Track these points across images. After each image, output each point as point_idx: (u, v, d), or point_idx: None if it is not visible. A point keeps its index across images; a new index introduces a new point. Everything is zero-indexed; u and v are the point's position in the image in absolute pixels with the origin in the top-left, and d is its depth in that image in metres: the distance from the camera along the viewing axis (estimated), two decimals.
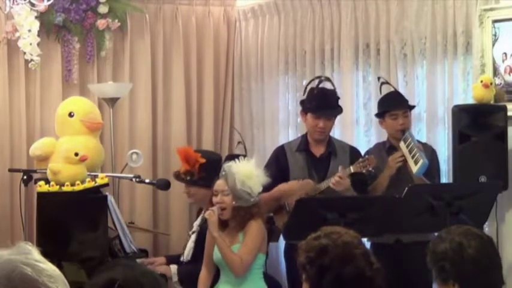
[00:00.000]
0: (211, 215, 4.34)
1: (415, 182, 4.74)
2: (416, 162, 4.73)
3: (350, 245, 2.59)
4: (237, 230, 4.41)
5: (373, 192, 5.00)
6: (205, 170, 5.04)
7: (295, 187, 4.93)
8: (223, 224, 4.43)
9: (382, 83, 5.23)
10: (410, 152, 4.82)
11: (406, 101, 5.10)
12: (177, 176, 5.20)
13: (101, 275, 2.09)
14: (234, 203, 4.36)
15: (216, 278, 4.56)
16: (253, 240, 4.38)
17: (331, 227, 2.74)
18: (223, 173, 4.37)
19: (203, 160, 5.06)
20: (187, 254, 5.00)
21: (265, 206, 4.89)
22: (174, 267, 4.97)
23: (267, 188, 4.62)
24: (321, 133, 5.09)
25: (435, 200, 4.32)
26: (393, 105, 5.03)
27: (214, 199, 4.43)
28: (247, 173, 4.35)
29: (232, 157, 5.98)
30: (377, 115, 5.18)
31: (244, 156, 5.96)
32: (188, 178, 5.10)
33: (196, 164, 5.05)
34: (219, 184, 4.42)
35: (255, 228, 4.40)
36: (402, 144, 4.92)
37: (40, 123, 6.21)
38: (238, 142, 6.45)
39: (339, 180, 4.82)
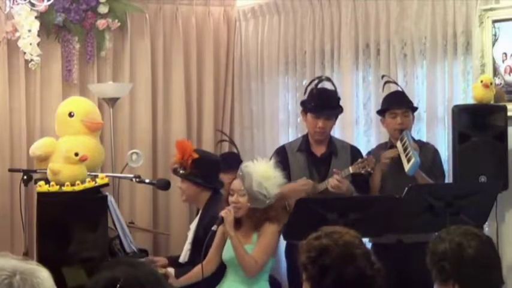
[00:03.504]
0: (228, 214, 4.34)
1: (418, 181, 4.73)
2: (408, 161, 4.74)
3: (351, 245, 2.59)
4: (251, 231, 4.42)
5: (370, 188, 5.01)
6: (197, 167, 5.03)
7: (296, 188, 4.92)
8: (236, 223, 4.43)
9: (386, 82, 5.22)
10: (404, 150, 4.82)
11: (409, 101, 5.09)
12: (174, 170, 5.21)
13: (103, 273, 2.09)
14: (249, 204, 4.36)
15: (219, 277, 4.56)
16: (268, 243, 4.40)
17: (332, 227, 2.74)
18: (240, 173, 4.37)
19: (196, 155, 5.06)
20: (184, 256, 5.00)
21: None
22: (171, 270, 4.96)
23: None
24: (321, 133, 5.09)
25: (435, 200, 4.31)
26: (393, 104, 5.03)
27: (230, 198, 4.45)
28: (265, 174, 4.36)
29: (226, 157, 6.00)
30: (378, 113, 5.18)
31: (238, 155, 5.98)
32: (181, 171, 5.10)
33: (189, 158, 5.05)
34: (236, 184, 4.45)
35: (270, 232, 4.41)
36: (399, 144, 4.92)
37: (40, 123, 6.22)
38: (218, 141, 6.46)
39: (337, 183, 4.81)
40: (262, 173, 4.36)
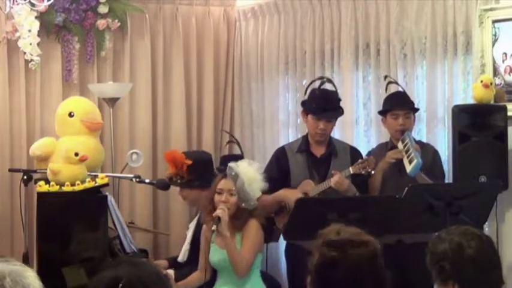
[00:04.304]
0: (224, 214, 4.30)
1: (418, 181, 4.73)
2: (410, 162, 4.73)
3: (360, 267, 2.46)
4: (234, 231, 4.40)
5: (370, 187, 5.00)
6: (193, 172, 5.02)
7: (298, 195, 4.91)
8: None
9: (389, 82, 5.22)
10: (406, 152, 4.82)
11: (410, 102, 5.09)
12: (170, 179, 5.20)
13: (106, 272, 2.09)
14: (243, 204, 4.34)
15: (213, 281, 4.55)
16: (253, 240, 4.38)
17: (355, 231, 2.59)
18: (233, 173, 4.33)
19: (189, 162, 5.05)
20: (183, 255, 5.01)
21: (267, 208, 4.90)
22: (170, 272, 4.97)
23: (268, 189, 4.61)
24: (322, 135, 5.09)
25: (435, 200, 4.31)
26: (395, 105, 5.03)
27: (219, 197, 4.40)
28: (253, 176, 4.34)
29: (228, 158, 5.98)
30: (380, 113, 5.18)
31: (241, 156, 5.98)
32: (178, 181, 5.10)
33: (183, 166, 5.04)
34: (226, 183, 4.40)
35: (253, 228, 4.40)
36: (400, 145, 4.92)
37: (40, 123, 6.22)
38: (227, 143, 6.44)
39: (340, 180, 4.82)
40: (251, 174, 4.34)
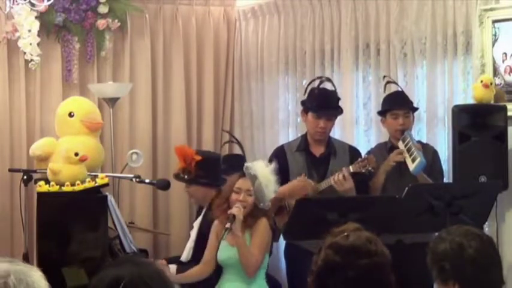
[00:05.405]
0: (240, 212, 4.32)
1: (418, 181, 4.73)
2: (413, 161, 4.73)
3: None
4: (243, 229, 4.40)
5: (372, 188, 5.00)
6: (202, 168, 5.04)
7: (296, 187, 4.92)
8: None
9: (388, 82, 5.23)
10: (408, 151, 4.82)
11: (409, 101, 5.09)
12: (177, 175, 5.21)
13: (108, 271, 2.09)
14: (261, 204, 4.35)
15: (216, 277, 4.55)
16: (262, 239, 4.40)
17: (363, 240, 2.55)
18: (252, 173, 4.34)
19: (199, 157, 5.07)
20: (187, 254, 5.00)
21: None
22: (173, 267, 4.97)
23: None
24: (322, 133, 5.09)
25: (435, 200, 4.31)
26: (394, 105, 5.03)
27: (236, 196, 4.41)
28: (269, 177, 4.36)
29: (230, 157, 5.99)
30: (379, 113, 5.18)
31: (242, 156, 5.98)
32: (186, 177, 5.10)
33: (192, 162, 5.05)
34: (244, 183, 4.41)
35: (263, 227, 4.41)
36: (401, 144, 4.91)
37: (40, 123, 6.22)
38: (225, 142, 6.43)
39: (342, 179, 4.81)
40: (267, 175, 4.36)
